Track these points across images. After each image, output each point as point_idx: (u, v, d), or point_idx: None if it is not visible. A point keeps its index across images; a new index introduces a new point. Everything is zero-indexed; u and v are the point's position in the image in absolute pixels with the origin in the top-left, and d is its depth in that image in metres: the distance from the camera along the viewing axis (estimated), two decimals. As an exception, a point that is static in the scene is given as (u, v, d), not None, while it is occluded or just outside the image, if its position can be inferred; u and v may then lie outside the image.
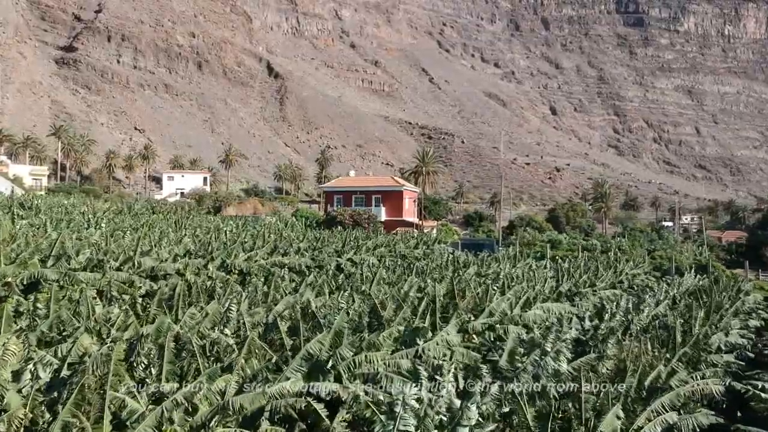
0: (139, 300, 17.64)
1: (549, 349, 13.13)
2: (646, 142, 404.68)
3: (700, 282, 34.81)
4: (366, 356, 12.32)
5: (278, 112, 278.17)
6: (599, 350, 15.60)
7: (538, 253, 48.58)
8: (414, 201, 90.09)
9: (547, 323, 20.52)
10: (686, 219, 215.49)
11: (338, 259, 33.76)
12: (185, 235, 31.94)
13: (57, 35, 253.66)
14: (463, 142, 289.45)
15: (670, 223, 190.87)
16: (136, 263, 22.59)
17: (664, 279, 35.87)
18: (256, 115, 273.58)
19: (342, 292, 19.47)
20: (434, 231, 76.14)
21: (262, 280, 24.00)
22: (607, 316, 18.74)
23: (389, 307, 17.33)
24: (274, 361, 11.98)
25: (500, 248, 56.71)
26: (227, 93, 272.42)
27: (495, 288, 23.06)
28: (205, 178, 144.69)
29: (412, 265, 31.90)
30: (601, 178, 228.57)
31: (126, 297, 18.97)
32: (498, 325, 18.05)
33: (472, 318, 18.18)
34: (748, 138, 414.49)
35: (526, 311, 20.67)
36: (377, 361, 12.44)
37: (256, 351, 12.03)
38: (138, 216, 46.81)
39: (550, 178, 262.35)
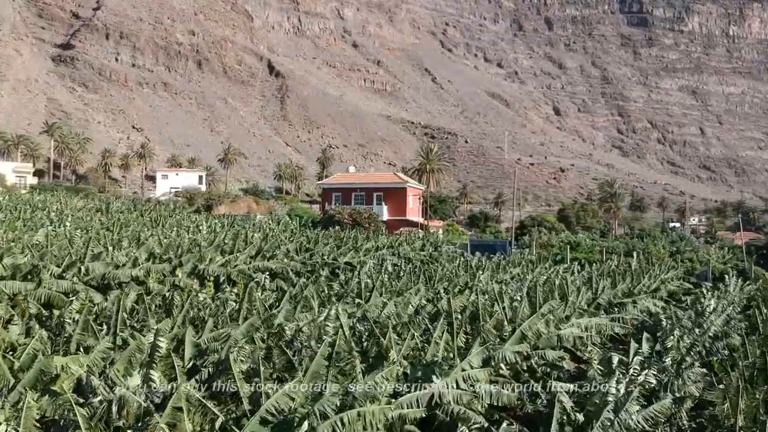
0: (72, 316, 13.65)
1: (621, 397, 9.11)
2: (650, 143, 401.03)
3: (744, 288, 30.76)
4: (359, 413, 8.36)
5: (279, 111, 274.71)
6: (673, 388, 11.61)
7: (557, 255, 44.37)
8: (419, 199, 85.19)
9: (590, 345, 16.58)
10: (694, 220, 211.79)
11: (334, 262, 29.71)
12: (151, 234, 27.78)
13: (54, 33, 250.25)
14: (466, 141, 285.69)
15: (677, 224, 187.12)
16: (83, 269, 18.65)
17: (704, 285, 31.85)
18: (257, 114, 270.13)
19: (333, 306, 15.44)
20: (440, 231, 71.42)
21: (236, 290, 19.93)
22: (670, 339, 14.73)
23: (393, 325, 13.36)
24: (219, 425, 7.94)
25: (513, 250, 52.33)
26: (227, 92, 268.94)
27: (518, 297, 19.12)
28: (200, 177, 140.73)
29: (418, 270, 27.81)
30: (608, 177, 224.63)
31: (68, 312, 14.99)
32: (533, 352, 14.09)
33: (498, 341, 14.23)
34: (753, 138, 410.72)
35: (560, 329, 16.72)
36: (375, 417, 8.47)
37: (192, 409, 8.07)
38: (112, 214, 42.58)
39: (554, 178, 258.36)
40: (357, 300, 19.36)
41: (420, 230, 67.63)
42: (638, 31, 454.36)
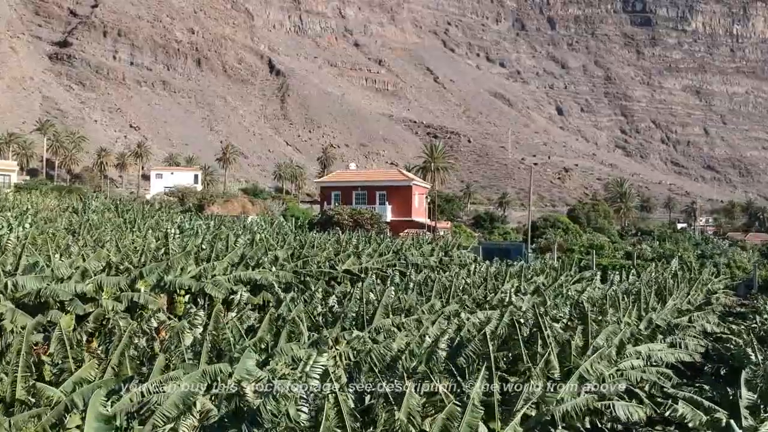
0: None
1: None
2: (653, 143, 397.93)
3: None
4: None
5: (279, 110, 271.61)
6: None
7: (582, 261, 40.21)
8: (425, 197, 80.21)
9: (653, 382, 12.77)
10: (701, 220, 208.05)
11: (331, 270, 25.82)
12: (109, 239, 23.76)
13: (51, 30, 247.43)
14: (469, 141, 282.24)
15: (684, 225, 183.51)
16: (11, 285, 14.82)
17: (761, 298, 27.90)
18: (257, 113, 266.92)
19: (323, 345, 11.62)
20: (449, 234, 66.67)
21: (203, 312, 15.84)
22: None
23: (410, 374, 9.59)
24: None
25: (530, 254, 47.85)
26: (227, 90, 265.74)
27: (559, 317, 15.34)
28: (196, 176, 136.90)
29: (428, 280, 23.94)
30: (612, 177, 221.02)
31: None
32: (599, 402, 10.30)
33: (548, 385, 10.48)
34: (757, 139, 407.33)
35: (620, 362, 12.97)
36: None
37: None
38: (82, 215, 38.46)
39: (559, 178, 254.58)
40: (358, 320, 15.60)
41: (427, 232, 63.33)
42: (641, 30, 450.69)
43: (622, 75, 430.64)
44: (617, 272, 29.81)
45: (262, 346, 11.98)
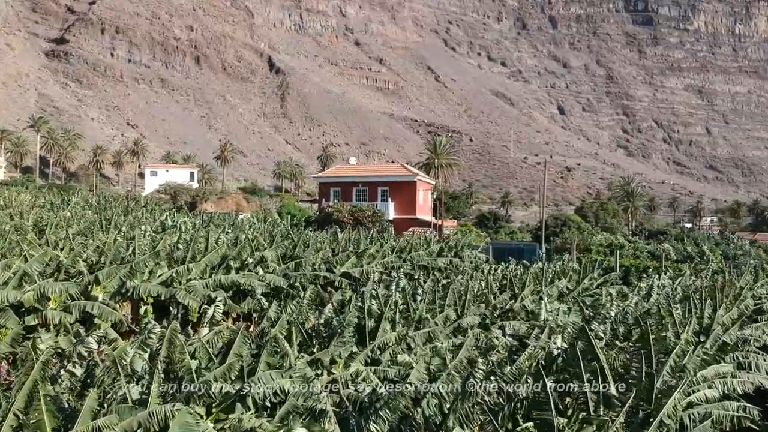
0: None
1: None
2: (655, 143, 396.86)
3: None
4: None
5: (279, 108, 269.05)
6: None
7: (603, 262, 37.17)
8: (431, 194, 77.05)
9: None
10: (707, 220, 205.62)
11: (327, 274, 22.89)
12: (64, 237, 20.75)
13: (48, 27, 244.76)
14: (471, 140, 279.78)
15: (689, 224, 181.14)
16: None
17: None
18: (256, 111, 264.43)
19: (319, 353, 8.75)
20: (458, 233, 63.40)
21: (155, 330, 12.75)
22: None
23: (428, 416, 6.72)
24: None
25: (544, 254, 44.58)
26: (226, 88, 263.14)
27: (601, 333, 12.44)
28: (191, 174, 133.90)
29: (437, 283, 20.99)
30: (620, 177, 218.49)
31: None
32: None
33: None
34: (759, 138, 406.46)
35: (691, 391, 10.14)
36: None
37: None
38: (55, 212, 35.42)
39: (561, 177, 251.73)
40: (359, 334, 12.72)
41: (432, 231, 60.16)
42: (643, 29, 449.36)
43: (623, 74, 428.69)
44: (656, 276, 26.72)
45: (233, 376, 9.09)
